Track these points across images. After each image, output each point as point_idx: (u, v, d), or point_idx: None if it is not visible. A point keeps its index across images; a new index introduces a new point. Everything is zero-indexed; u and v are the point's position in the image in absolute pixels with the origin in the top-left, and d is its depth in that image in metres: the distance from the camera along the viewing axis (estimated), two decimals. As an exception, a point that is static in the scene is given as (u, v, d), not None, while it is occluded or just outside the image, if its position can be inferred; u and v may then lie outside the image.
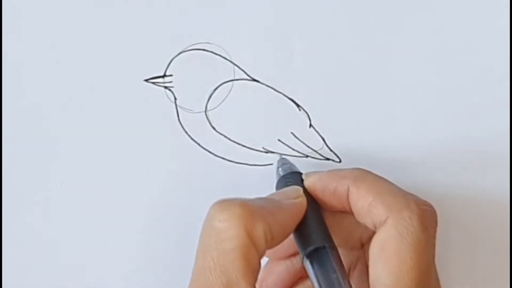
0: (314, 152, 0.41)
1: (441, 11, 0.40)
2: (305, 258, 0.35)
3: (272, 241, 0.34)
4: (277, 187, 0.39)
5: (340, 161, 0.41)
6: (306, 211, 0.36)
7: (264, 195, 0.41)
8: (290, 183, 0.38)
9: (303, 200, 0.36)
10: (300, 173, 0.39)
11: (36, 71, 0.42)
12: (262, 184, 0.42)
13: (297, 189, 0.37)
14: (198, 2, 0.41)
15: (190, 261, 0.42)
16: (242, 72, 0.41)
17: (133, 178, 0.42)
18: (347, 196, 0.36)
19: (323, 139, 0.41)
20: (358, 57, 0.41)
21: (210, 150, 0.41)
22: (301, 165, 0.41)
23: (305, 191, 0.37)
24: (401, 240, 0.33)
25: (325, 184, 0.37)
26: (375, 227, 0.34)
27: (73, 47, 0.41)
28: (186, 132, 0.41)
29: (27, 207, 0.42)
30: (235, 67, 0.41)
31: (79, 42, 0.41)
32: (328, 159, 0.41)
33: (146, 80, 0.41)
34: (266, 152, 0.41)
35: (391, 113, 0.41)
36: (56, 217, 0.42)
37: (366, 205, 0.35)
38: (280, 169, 0.40)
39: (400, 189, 0.35)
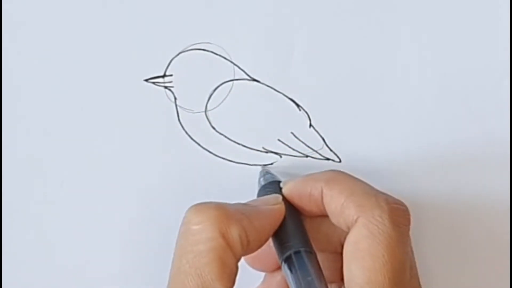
0: (314, 152, 0.41)
1: (441, 11, 0.40)
2: (283, 263, 0.36)
3: (249, 245, 0.34)
4: (258, 196, 0.39)
5: (340, 161, 0.41)
6: (285, 218, 0.36)
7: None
8: (269, 192, 0.38)
9: (281, 206, 0.37)
10: (279, 181, 0.39)
11: (36, 71, 0.41)
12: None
13: (275, 196, 0.37)
14: (198, 2, 0.41)
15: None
16: (242, 72, 0.41)
17: (133, 178, 0.42)
18: (322, 198, 0.36)
19: (323, 139, 0.41)
20: (358, 57, 0.41)
21: (210, 150, 0.41)
22: (301, 165, 0.41)
23: (284, 198, 0.38)
24: (373, 239, 0.33)
25: (301, 189, 0.37)
26: (348, 228, 0.35)
27: (73, 47, 0.41)
28: (186, 132, 0.41)
29: (27, 207, 0.42)
30: (235, 67, 0.41)
31: (79, 42, 0.41)
32: (328, 159, 0.41)
33: (146, 80, 0.41)
34: (266, 152, 0.41)
35: (391, 113, 0.41)
36: (56, 217, 0.42)
37: (338, 206, 0.35)
38: (261, 179, 0.40)
39: (372, 189, 0.36)
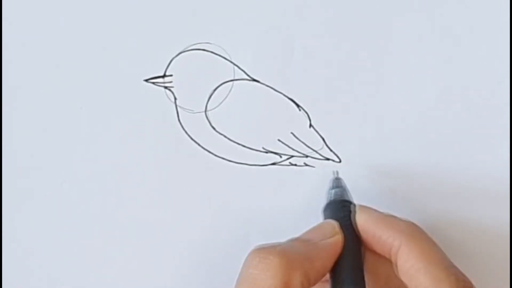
0: (314, 152, 0.41)
1: (441, 11, 0.40)
2: None
3: (309, 285, 0.34)
4: (324, 211, 0.39)
5: (340, 161, 0.41)
6: (344, 247, 0.36)
7: (264, 196, 0.41)
8: (336, 212, 0.38)
9: (339, 238, 0.36)
10: (350, 202, 0.39)
11: (36, 71, 0.42)
12: (262, 184, 0.42)
13: (333, 225, 0.37)
14: (198, 2, 0.41)
15: (189, 259, 0.42)
16: (242, 72, 0.41)
17: (133, 178, 0.42)
18: (397, 252, 0.36)
19: (323, 139, 0.41)
20: (358, 57, 0.41)
21: (210, 150, 0.41)
22: (301, 165, 0.41)
23: (348, 223, 0.37)
24: None
25: (378, 230, 0.37)
26: None
27: (73, 47, 0.41)
28: (186, 132, 0.41)
29: (27, 207, 0.42)
30: (235, 67, 0.41)
31: (79, 42, 0.41)
32: (328, 159, 0.41)
33: (146, 80, 0.41)
34: (266, 152, 0.41)
35: (391, 113, 0.41)
36: (56, 217, 0.42)
37: (413, 270, 0.35)
38: (332, 191, 0.40)
39: (445, 259, 0.36)
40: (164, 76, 0.41)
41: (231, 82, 0.41)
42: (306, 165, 0.42)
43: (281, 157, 0.41)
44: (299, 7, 0.41)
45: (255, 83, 0.41)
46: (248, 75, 0.41)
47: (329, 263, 0.36)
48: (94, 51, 0.41)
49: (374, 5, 0.41)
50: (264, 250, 0.34)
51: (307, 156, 0.41)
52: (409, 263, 0.35)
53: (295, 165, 0.42)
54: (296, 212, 0.42)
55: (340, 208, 0.38)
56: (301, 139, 0.41)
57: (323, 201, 0.39)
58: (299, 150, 0.41)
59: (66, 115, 0.42)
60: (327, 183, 0.40)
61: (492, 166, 0.41)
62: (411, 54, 0.41)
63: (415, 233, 0.36)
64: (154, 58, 0.41)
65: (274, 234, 0.42)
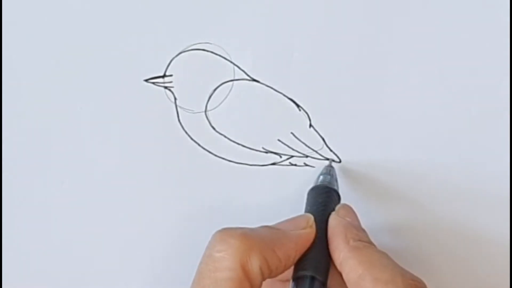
0: (314, 152, 0.41)
1: (441, 11, 0.40)
2: (291, 281, 0.36)
3: (270, 274, 0.35)
4: (308, 194, 0.39)
5: (340, 161, 0.41)
6: (314, 241, 0.36)
7: (264, 196, 0.41)
8: (318, 198, 0.38)
9: (311, 231, 0.37)
10: (336, 191, 0.39)
11: (36, 71, 0.42)
12: (262, 184, 0.42)
13: (307, 218, 0.37)
14: (198, 2, 0.41)
15: (188, 259, 0.42)
16: (242, 72, 0.41)
17: (133, 177, 0.42)
18: (341, 262, 0.36)
19: (323, 139, 0.41)
20: (358, 57, 0.41)
21: (210, 150, 0.41)
22: (301, 165, 0.41)
23: (325, 215, 0.38)
24: None
25: (335, 238, 0.37)
26: None
27: (73, 47, 0.41)
28: (186, 132, 0.41)
29: (27, 207, 0.42)
30: (235, 67, 0.41)
31: (79, 42, 0.41)
32: (328, 159, 0.41)
33: (146, 80, 0.41)
34: (266, 152, 0.41)
35: (391, 113, 0.41)
36: (56, 217, 0.42)
37: (357, 277, 0.35)
38: (321, 176, 0.40)
39: (390, 262, 0.36)
40: (164, 76, 0.41)
41: (231, 82, 0.41)
42: (306, 165, 0.42)
43: (281, 157, 0.42)
44: (299, 7, 0.41)
45: (255, 83, 0.41)
46: (248, 75, 0.41)
47: (295, 254, 0.36)
48: (94, 51, 0.41)
49: (374, 5, 0.41)
50: (225, 232, 0.35)
51: (307, 156, 0.41)
52: (353, 272, 0.35)
53: (295, 165, 0.42)
54: (296, 212, 0.42)
55: (323, 194, 0.38)
56: (301, 139, 0.41)
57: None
58: (299, 150, 0.41)
59: (66, 115, 0.42)
60: (320, 170, 0.40)
61: (492, 166, 0.41)
62: (411, 54, 0.41)
63: (360, 245, 0.36)
64: (154, 58, 0.41)
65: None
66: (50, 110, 0.42)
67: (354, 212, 0.39)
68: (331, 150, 0.41)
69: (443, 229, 0.42)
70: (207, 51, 0.41)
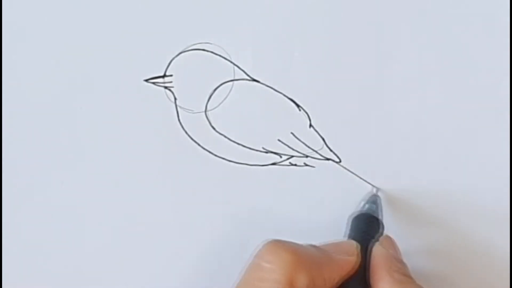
0: (314, 152, 0.41)
1: (441, 12, 0.40)
2: None
3: None
4: (351, 222, 0.39)
5: (340, 161, 0.41)
6: (357, 271, 0.37)
7: (264, 196, 0.41)
8: (362, 227, 0.39)
9: (356, 259, 0.37)
10: (380, 221, 0.39)
11: (36, 71, 0.42)
12: (262, 184, 0.42)
13: (354, 245, 0.37)
14: (198, 2, 0.41)
15: (188, 259, 0.42)
16: (242, 72, 0.41)
17: (133, 177, 0.42)
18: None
19: (323, 139, 0.41)
20: (358, 57, 0.41)
21: (210, 150, 0.41)
22: (301, 166, 0.41)
23: (367, 244, 0.38)
24: None
25: (381, 271, 0.37)
26: None
27: (73, 47, 0.41)
28: (186, 132, 0.41)
29: (27, 207, 0.42)
30: (235, 67, 0.41)
31: (79, 42, 0.41)
32: (328, 159, 0.41)
33: (146, 80, 0.41)
34: (266, 152, 0.41)
35: (391, 113, 0.41)
36: (56, 217, 0.42)
37: None
38: (365, 204, 0.40)
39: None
40: (164, 76, 0.41)
41: (231, 82, 0.41)
42: (306, 165, 0.42)
43: (281, 157, 0.41)
44: (299, 7, 0.41)
45: (255, 83, 0.41)
46: (248, 75, 0.41)
47: (338, 278, 0.36)
48: (94, 51, 0.41)
49: (374, 6, 0.41)
50: (277, 244, 0.35)
51: (307, 156, 0.41)
52: None
53: (295, 165, 0.42)
54: (296, 212, 0.42)
55: (367, 222, 0.39)
56: (301, 139, 0.41)
57: (347, 209, 0.40)
58: (299, 150, 0.41)
59: (66, 115, 0.42)
60: (363, 195, 0.41)
61: (493, 168, 0.41)
62: (411, 55, 0.41)
63: (404, 279, 0.37)
64: (154, 58, 0.41)
65: (274, 234, 0.42)
66: (50, 110, 0.42)
67: (396, 245, 0.39)
68: (331, 150, 0.41)
69: (443, 229, 0.42)
70: (207, 51, 0.41)
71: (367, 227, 0.39)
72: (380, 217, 0.39)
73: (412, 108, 0.41)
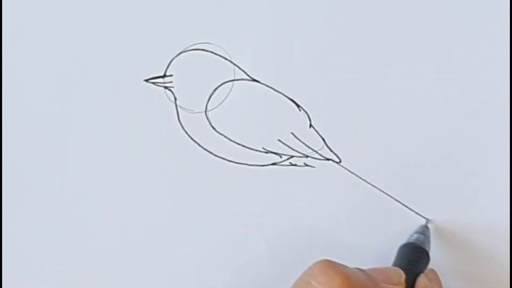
0: (314, 152, 0.41)
1: (441, 12, 0.40)
2: None
3: None
4: (399, 250, 0.40)
5: (340, 161, 0.41)
6: None
7: (264, 196, 0.41)
8: (410, 256, 0.39)
9: None
10: (427, 253, 0.39)
11: (36, 71, 0.42)
12: (262, 184, 0.42)
13: (400, 274, 0.38)
14: (198, 2, 0.41)
15: (188, 259, 0.42)
16: (242, 72, 0.41)
17: (133, 178, 0.42)
18: None
19: (323, 139, 0.41)
20: (358, 57, 0.41)
21: (210, 150, 0.41)
22: (301, 166, 0.41)
23: (413, 275, 0.38)
24: None
25: None
26: None
27: (73, 47, 0.41)
28: (186, 132, 0.41)
29: (27, 207, 0.42)
30: (235, 67, 0.41)
31: (79, 42, 0.41)
32: (328, 159, 0.41)
33: (146, 80, 0.41)
34: (266, 152, 0.41)
35: (391, 113, 0.41)
36: (56, 217, 0.42)
37: None
38: (415, 235, 0.40)
39: None
40: (164, 76, 0.41)
41: (231, 82, 0.41)
42: (306, 165, 0.42)
43: (281, 157, 0.41)
44: (299, 7, 0.41)
45: (255, 83, 0.41)
46: (248, 75, 0.41)
47: None
48: (94, 51, 0.41)
49: (374, 6, 0.41)
50: (330, 265, 0.35)
51: (307, 156, 0.41)
52: None
53: (295, 165, 0.42)
54: (296, 212, 0.42)
55: (415, 253, 0.39)
56: (301, 139, 0.41)
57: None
58: (299, 150, 0.41)
59: (66, 115, 0.42)
60: (415, 227, 0.41)
61: (493, 168, 0.41)
62: (411, 55, 0.41)
63: None
64: (154, 58, 0.41)
65: (274, 234, 0.42)
66: (50, 110, 0.42)
67: (440, 280, 0.39)
68: (331, 150, 0.41)
69: (442, 229, 0.41)
70: (207, 51, 0.41)
71: (414, 257, 0.39)
72: (427, 249, 0.40)
73: (413, 108, 0.41)
